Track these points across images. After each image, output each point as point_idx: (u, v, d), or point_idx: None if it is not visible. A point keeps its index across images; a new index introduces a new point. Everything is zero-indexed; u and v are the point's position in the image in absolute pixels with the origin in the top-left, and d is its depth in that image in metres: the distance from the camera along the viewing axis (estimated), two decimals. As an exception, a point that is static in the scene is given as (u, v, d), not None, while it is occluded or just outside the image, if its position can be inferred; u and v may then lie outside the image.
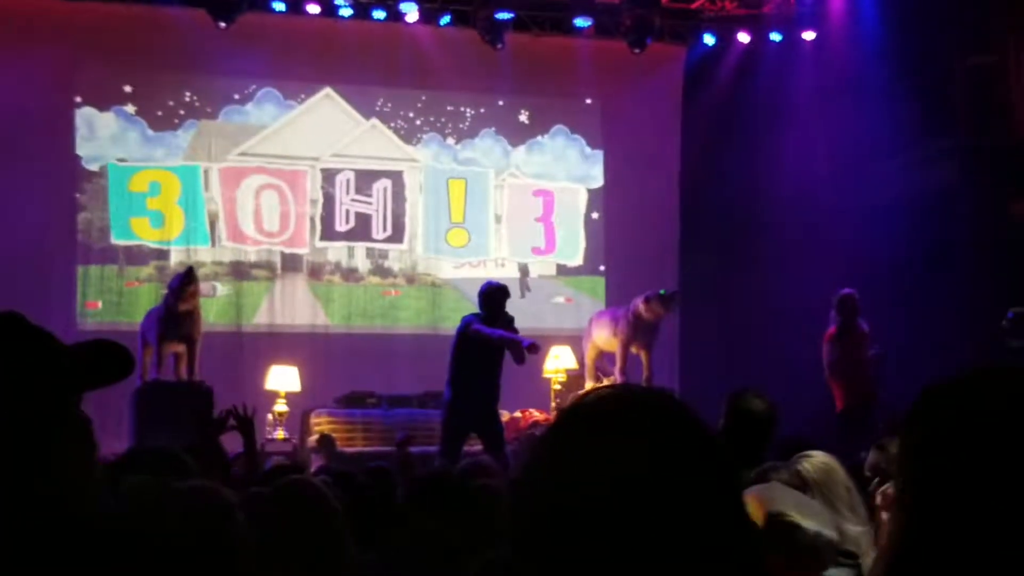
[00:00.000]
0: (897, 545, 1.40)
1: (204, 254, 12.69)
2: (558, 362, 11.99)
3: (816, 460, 3.85)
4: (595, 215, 13.93)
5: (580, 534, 1.16)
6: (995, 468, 1.34)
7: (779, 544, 2.66)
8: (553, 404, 11.67)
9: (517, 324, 13.15)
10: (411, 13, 12.24)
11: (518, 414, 11.33)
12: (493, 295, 9.00)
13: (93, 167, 12.55)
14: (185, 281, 9.95)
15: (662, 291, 11.08)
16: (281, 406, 10.97)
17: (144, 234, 12.58)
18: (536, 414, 11.34)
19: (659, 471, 1.18)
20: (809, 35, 13.03)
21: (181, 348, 10.11)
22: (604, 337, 11.35)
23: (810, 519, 2.78)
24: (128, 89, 12.62)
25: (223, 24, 11.76)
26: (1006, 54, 11.63)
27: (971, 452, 1.35)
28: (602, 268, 13.87)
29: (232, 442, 5.30)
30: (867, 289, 11.73)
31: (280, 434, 10.76)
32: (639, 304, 11.05)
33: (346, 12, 12.17)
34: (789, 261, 12.63)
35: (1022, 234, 11.13)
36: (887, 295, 11.68)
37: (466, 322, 8.97)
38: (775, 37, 13.10)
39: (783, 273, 12.67)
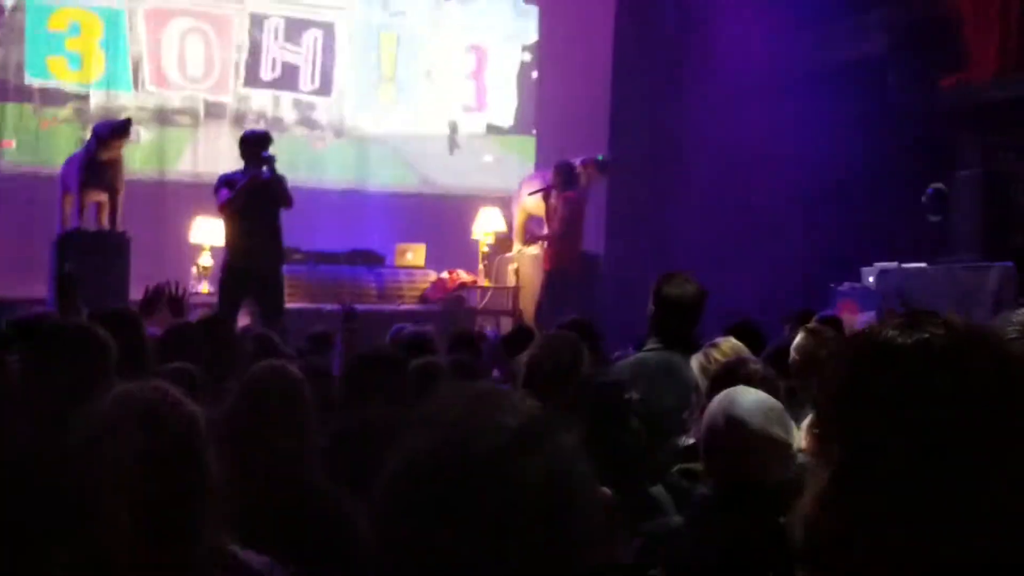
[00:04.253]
0: (823, 509, 1.28)
1: (125, 99, 12.30)
2: (486, 224, 11.96)
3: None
4: (534, 74, 13.71)
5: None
6: (934, 430, 1.23)
7: None
8: (481, 266, 11.69)
9: (444, 181, 13.20)
10: None
11: (445, 275, 11.33)
12: (248, 142, 8.93)
13: (8, 2, 12.02)
14: (118, 133, 9.71)
15: (599, 156, 11.09)
16: (206, 259, 10.82)
17: (61, 75, 12.13)
18: (464, 275, 11.35)
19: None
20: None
21: (103, 197, 9.88)
22: (534, 200, 11.35)
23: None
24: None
25: None
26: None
27: (916, 414, 1.23)
28: (534, 131, 13.70)
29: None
30: (795, 160, 11.82)
31: (204, 288, 10.64)
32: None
33: None
34: (718, 127, 12.61)
35: (950, 107, 11.19)
36: (814, 167, 11.76)
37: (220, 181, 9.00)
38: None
39: (713, 140, 12.66)
